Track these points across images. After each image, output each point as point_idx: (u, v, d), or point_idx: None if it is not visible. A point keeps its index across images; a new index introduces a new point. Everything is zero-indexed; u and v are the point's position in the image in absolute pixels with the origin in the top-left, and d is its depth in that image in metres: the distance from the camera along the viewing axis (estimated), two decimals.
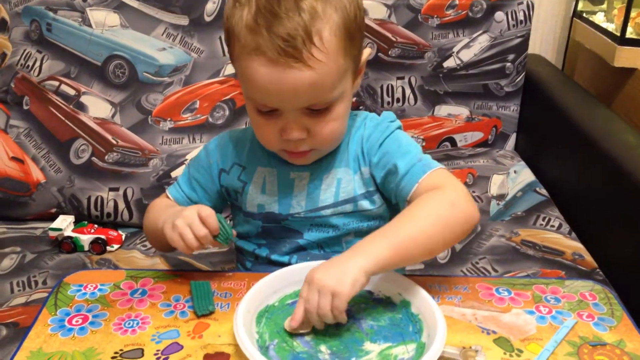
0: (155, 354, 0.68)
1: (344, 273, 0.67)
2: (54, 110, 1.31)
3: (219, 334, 0.71)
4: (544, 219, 1.29)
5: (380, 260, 0.69)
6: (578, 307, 0.76)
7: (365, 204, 0.83)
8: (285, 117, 0.75)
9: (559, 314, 0.74)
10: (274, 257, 0.86)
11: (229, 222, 0.81)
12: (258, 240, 0.88)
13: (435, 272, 1.13)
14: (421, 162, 0.79)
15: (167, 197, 0.92)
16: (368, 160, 0.83)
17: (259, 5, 0.69)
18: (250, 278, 0.79)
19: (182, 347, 0.69)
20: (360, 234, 0.83)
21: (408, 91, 1.55)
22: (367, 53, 0.81)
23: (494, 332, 0.71)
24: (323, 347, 0.69)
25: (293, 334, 0.71)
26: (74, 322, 0.73)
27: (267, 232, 0.86)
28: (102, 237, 1.22)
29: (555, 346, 0.69)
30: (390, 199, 0.83)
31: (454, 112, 1.57)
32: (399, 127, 0.84)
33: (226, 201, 0.91)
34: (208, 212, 0.77)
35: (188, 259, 1.21)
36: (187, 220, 0.77)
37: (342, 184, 0.83)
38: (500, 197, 1.37)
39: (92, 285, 0.80)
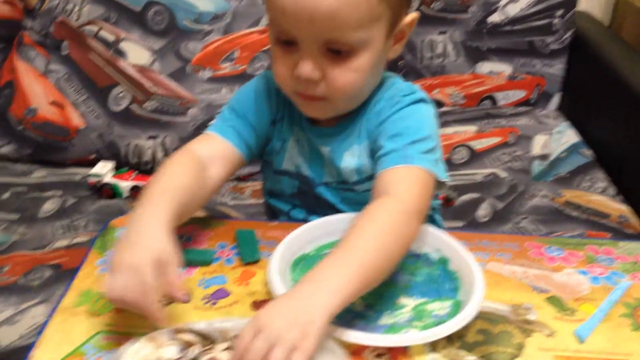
0: (203, 299, 0.68)
1: (310, 322, 0.53)
2: (93, 56, 1.30)
3: (265, 282, 0.71)
4: (589, 181, 1.26)
5: (347, 299, 0.58)
6: (633, 268, 0.74)
7: None
8: (302, 52, 0.69)
9: (613, 275, 0.73)
10: (311, 218, 0.81)
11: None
12: (293, 200, 0.85)
13: (477, 231, 1.12)
14: (403, 151, 0.71)
15: (208, 135, 0.80)
16: (375, 134, 0.76)
17: None
18: (294, 228, 0.78)
19: (229, 293, 0.69)
20: None
21: (450, 46, 1.51)
22: (412, 17, 0.73)
23: (545, 290, 0.70)
24: (358, 299, 0.67)
25: None
26: None
27: (303, 194, 0.84)
28: (142, 184, 1.22)
29: (610, 307, 0.67)
30: None
31: (496, 69, 1.53)
32: (415, 102, 0.76)
33: (260, 153, 0.84)
34: None
35: (225, 208, 1.20)
36: None
37: (363, 161, 0.78)
38: (544, 157, 1.34)
39: None
